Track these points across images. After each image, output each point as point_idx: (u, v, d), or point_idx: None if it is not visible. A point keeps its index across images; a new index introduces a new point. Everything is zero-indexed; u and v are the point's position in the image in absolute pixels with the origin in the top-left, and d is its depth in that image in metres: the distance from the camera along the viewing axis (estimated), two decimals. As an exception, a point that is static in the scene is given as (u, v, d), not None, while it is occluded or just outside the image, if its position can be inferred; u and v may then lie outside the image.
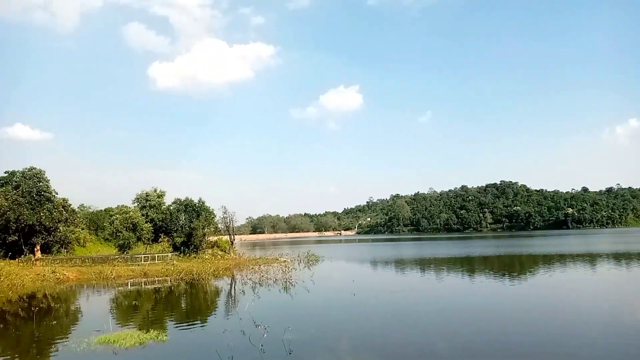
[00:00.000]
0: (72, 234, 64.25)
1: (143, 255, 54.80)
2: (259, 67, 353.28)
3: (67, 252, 64.57)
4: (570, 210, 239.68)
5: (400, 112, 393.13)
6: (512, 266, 49.13)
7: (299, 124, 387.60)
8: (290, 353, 16.15)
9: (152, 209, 64.27)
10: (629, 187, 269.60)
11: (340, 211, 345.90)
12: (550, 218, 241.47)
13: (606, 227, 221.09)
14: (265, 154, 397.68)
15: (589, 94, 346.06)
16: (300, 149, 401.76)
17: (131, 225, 60.31)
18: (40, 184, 57.00)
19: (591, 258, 53.36)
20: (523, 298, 27.98)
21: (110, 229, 63.46)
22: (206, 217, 62.52)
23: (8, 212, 51.95)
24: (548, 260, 52.63)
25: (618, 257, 54.20)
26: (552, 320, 20.88)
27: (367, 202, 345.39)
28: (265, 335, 17.87)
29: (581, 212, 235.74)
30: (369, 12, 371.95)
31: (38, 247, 56.92)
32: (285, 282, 36.80)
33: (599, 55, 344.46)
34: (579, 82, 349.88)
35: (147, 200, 64.46)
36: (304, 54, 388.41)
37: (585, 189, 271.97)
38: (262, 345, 16.78)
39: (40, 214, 54.68)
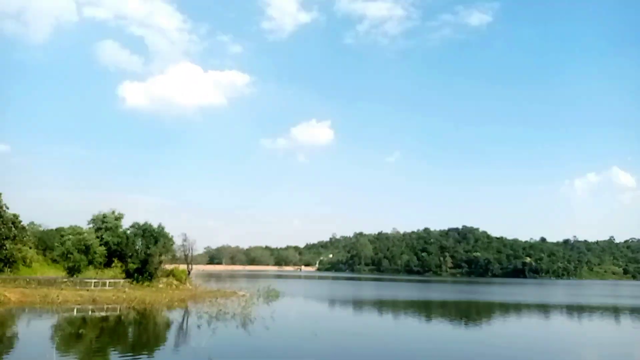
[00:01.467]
0: (19, 252, 60.48)
1: (94, 280, 51.81)
2: (233, 94, 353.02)
3: (11, 271, 60.54)
4: (528, 260, 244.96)
5: (369, 150, 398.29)
6: (469, 312, 48.94)
7: (268, 154, 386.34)
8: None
9: (107, 232, 61.47)
10: (585, 240, 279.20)
11: (302, 246, 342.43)
12: (509, 266, 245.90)
13: (561, 278, 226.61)
14: (231, 183, 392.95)
15: (550, 146, 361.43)
16: (267, 179, 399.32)
17: (84, 247, 57.32)
18: (-10, 197, 53.79)
19: (545, 309, 53.86)
20: (478, 345, 27.46)
21: (61, 249, 60.15)
22: (164, 243, 60.09)
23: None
24: (504, 308, 52.86)
25: (571, 309, 55.01)
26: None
27: (330, 238, 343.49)
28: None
29: (538, 261, 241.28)
30: (346, 50, 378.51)
31: (-21, 265, 53.24)
32: (244, 317, 35.18)
33: (566, 109, 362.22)
34: (541, 133, 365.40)
35: (103, 222, 61.70)
36: (279, 85, 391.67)
37: (543, 239, 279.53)
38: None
39: (-15, 229, 51.38)
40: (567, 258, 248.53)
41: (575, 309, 54.79)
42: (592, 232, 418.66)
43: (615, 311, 53.89)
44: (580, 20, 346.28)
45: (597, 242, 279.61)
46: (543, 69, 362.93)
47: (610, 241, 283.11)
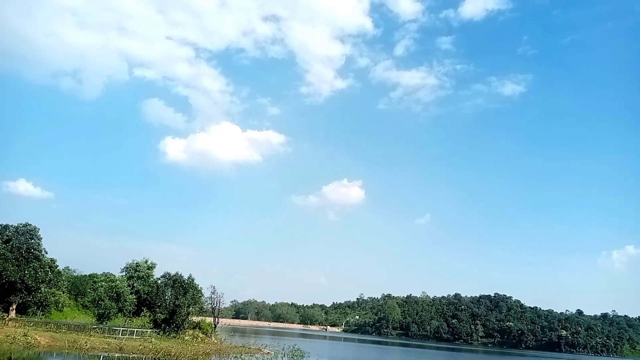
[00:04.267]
0: (53, 296, 61.89)
1: (122, 328, 52.32)
2: (268, 152, 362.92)
3: (43, 314, 61.80)
4: (564, 332, 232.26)
5: (399, 212, 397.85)
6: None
7: (299, 211, 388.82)
8: None
9: (139, 280, 62.52)
10: (625, 315, 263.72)
11: (328, 305, 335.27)
12: (544, 338, 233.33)
13: (600, 355, 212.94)
14: (261, 238, 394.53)
15: (589, 216, 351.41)
16: (297, 236, 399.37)
17: (115, 294, 58.27)
18: (32, 240, 55.96)
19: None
20: None
21: (93, 295, 61.26)
22: (193, 295, 60.50)
23: (-8, 266, 50.43)
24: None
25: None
26: None
27: (357, 298, 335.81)
28: None
29: (575, 335, 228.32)
30: (379, 114, 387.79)
31: (14, 307, 54.56)
32: (268, 376, 34.70)
33: (604, 178, 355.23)
34: (580, 202, 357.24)
35: (136, 271, 62.89)
36: (313, 146, 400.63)
37: (580, 312, 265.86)
38: None
39: (25, 271, 53.06)
40: (606, 333, 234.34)
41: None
42: (631, 307, 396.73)
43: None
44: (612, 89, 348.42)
45: (638, 318, 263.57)
46: (578, 136, 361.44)
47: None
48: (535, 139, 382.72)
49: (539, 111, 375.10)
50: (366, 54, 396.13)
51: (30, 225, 57.23)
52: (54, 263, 58.72)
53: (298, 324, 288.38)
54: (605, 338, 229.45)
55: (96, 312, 60.47)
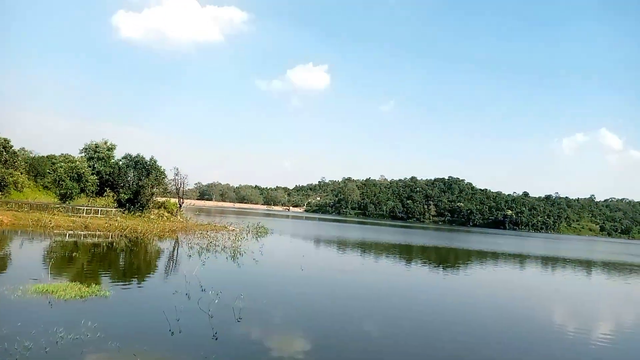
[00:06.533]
0: (11, 176, 60.79)
1: (85, 207, 52.69)
2: (230, 31, 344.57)
3: (2, 195, 61.13)
4: (509, 212, 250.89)
5: (364, 98, 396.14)
6: (447, 258, 51.02)
7: (263, 96, 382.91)
8: (239, 320, 16.04)
9: (99, 162, 61.72)
10: (566, 197, 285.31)
11: (291, 187, 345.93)
12: (490, 217, 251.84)
13: (540, 232, 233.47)
14: (225, 121, 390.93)
15: (543, 104, 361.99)
16: (260, 121, 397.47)
17: (76, 175, 57.71)
18: (-20, 120, 53.23)
19: (521, 259, 56.21)
20: (451, 287, 29.05)
21: (53, 176, 60.54)
22: (156, 176, 60.65)
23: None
24: (482, 256, 55.18)
25: (546, 260, 57.52)
26: (473, 309, 21.90)
27: (319, 181, 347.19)
28: (216, 301, 17.67)
29: (519, 215, 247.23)
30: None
31: (-30, 187, 53.58)
32: (234, 250, 36.52)
33: (563, 68, 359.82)
34: (536, 90, 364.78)
35: (95, 152, 61.79)
36: (278, 25, 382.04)
37: (526, 194, 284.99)
38: (209, 310, 16.58)
39: (-24, 151, 51.31)
40: (547, 213, 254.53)
41: (549, 260, 57.34)
42: (574, 189, 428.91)
43: (583, 264, 56.49)
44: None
45: (577, 200, 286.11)
46: (543, 24, 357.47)
47: (591, 199, 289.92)
48: (502, 27, 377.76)
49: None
50: None
51: (-23, 104, 53.97)
52: (7, 143, 56.79)
53: (262, 205, 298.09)
54: (545, 217, 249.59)
55: (58, 192, 60.23)
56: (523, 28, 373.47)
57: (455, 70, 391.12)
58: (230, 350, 13.22)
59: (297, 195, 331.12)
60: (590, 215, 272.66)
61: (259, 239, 50.91)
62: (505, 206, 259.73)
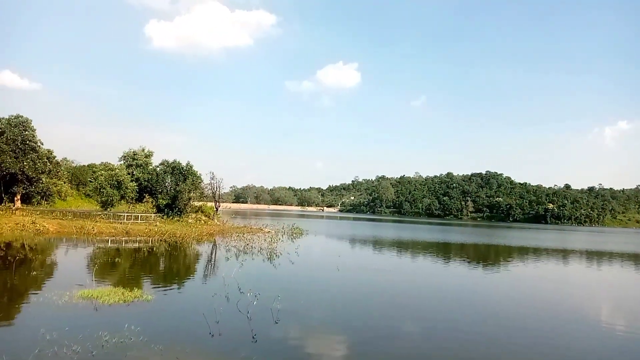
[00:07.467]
0: (55, 186, 63.26)
1: (126, 214, 54.23)
2: (259, 35, 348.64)
3: (47, 204, 63.63)
4: (550, 206, 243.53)
5: (395, 94, 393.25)
6: (487, 255, 49.87)
7: (294, 97, 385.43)
8: (277, 322, 16.11)
9: (138, 168, 63.38)
10: (610, 188, 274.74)
11: (324, 188, 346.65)
12: (530, 212, 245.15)
13: (583, 225, 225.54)
14: (256, 124, 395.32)
15: (583, 94, 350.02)
16: (292, 122, 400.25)
17: (116, 182, 59.47)
18: (26, 132, 55.51)
19: (564, 254, 54.38)
20: (493, 287, 28.30)
21: (94, 184, 62.59)
22: (193, 181, 61.86)
23: (-10, 159, 50.70)
24: (524, 252, 53.65)
25: (590, 255, 55.43)
26: (520, 309, 21.25)
27: (352, 180, 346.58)
28: (254, 303, 17.82)
29: (561, 208, 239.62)
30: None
31: (18, 197, 55.94)
32: (270, 252, 36.80)
33: (597, 57, 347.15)
34: (575, 81, 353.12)
35: (134, 159, 63.49)
36: (306, 27, 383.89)
37: (567, 186, 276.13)
38: (248, 312, 16.73)
39: (23, 163, 53.52)
40: (590, 205, 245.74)
41: (594, 255, 55.26)
42: (619, 180, 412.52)
43: (631, 258, 54.19)
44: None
45: (622, 191, 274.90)
46: (584, 9, 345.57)
47: (637, 190, 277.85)
48: (534, 18, 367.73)
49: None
50: None
51: (22, 116, 56.32)
52: (51, 154, 59.02)
53: (296, 206, 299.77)
54: (589, 209, 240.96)
55: (99, 199, 62.22)
56: (554, 12, 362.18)
57: (487, 62, 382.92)
58: (269, 352, 13.29)
59: (330, 196, 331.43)
60: (637, 206, 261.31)
61: (294, 240, 51.17)
62: (546, 200, 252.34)
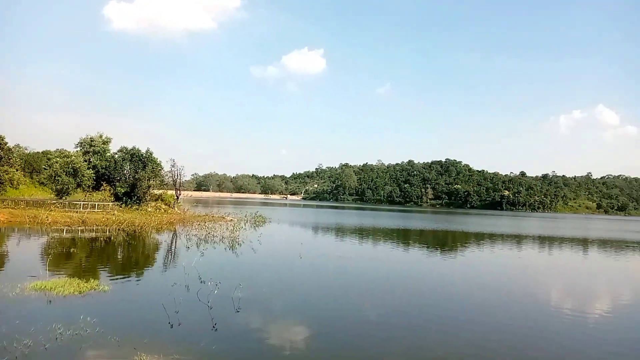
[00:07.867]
0: (6, 174, 60.49)
1: (82, 202, 52.60)
2: (223, 18, 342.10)
3: (-2, 192, 60.91)
4: (506, 193, 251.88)
5: (361, 81, 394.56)
6: (445, 241, 51.25)
7: (258, 83, 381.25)
8: (238, 310, 16.12)
9: (95, 155, 61.42)
10: (563, 175, 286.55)
11: (288, 175, 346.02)
12: (487, 198, 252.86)
13: (537, 211, 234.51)
14: (219, 111, 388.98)
15: (539, 82, 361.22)
16: (256, 108, 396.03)
17: (72, 170, 57.46)
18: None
19: (518, 239, 56.47)
20: (449, 271, 29.19)
21: (49, 172, 60.25)
22: (153, 168, 60.52)
23: None
24: (480, 238, 55.44)
25: (542, 240, 57.84)
26: (472, 291, 22.05)
27: (316, 168, 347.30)
28: (215, 292, 17.73)
29: (516, 195, 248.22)
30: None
31: (-35, 185, 53.31)
32: (232, 240, 36.60)
33: (557, 46, 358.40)
34: (532, 70, 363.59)
35: (91, 146, 61.42)
36: (272, 11, 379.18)
37: (523, 174, 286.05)
38: (209, 301, 16.65)
39: (-30, 149, 50.96)
40: (544, 192, 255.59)
41: (545, 240, 57.65)
42: (571, 167, 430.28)
43: (580, 243, 56.84)
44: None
45: (574, 178, 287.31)
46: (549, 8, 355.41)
47: (587, 177, 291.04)
48: (498, 3, 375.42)
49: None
50: None
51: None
52: (2, 140, 56.37)
53: (259, 194, 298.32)
54: (542, 196, 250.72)
55: (54, 187, 60.02)
56: (517, 2, 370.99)
57: (450, 52, 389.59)
58: (230, 341, 13.31)
59: (294, 183, 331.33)
60: (587, 193, 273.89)
61: (257, 228, 51.02)
62: (502, 187, 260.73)
